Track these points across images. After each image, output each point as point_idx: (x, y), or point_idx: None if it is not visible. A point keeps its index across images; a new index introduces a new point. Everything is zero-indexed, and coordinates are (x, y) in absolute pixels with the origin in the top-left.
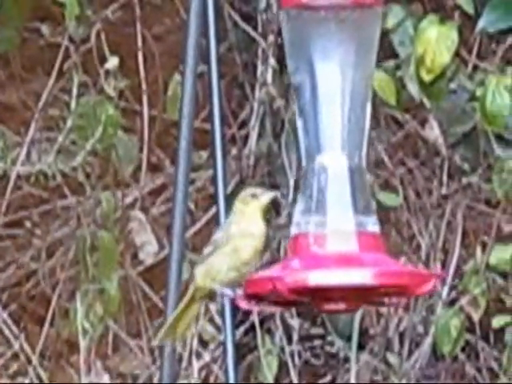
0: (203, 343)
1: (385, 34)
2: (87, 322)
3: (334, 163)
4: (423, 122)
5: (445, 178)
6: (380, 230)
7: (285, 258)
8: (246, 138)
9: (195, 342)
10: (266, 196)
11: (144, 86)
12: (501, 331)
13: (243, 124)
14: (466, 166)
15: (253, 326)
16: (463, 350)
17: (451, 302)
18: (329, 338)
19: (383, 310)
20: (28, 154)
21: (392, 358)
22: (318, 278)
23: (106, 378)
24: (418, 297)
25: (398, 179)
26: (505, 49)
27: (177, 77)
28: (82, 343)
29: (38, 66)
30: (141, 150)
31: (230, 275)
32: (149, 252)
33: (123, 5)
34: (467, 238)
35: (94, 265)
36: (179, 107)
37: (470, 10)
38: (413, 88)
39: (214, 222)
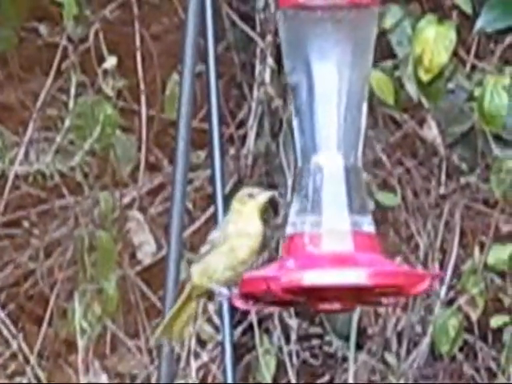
0: (201, 343)
1: (383, 34)
2: (85, 321)
3: (329, 163)
4: (421, 122)
5: (443, 177)
6: (378, 229)
7: (280, 257)
8: (244, 137)
9: (193, 342)
10: (263, 195)
11: (142, 86)
12: (499, 331)
13: (241, 124)
14: (464, 166)
15: (251, 326)
16: (461, 349)
17: (449, 302)
18: (327, 338)
19: (381, 309)
20: (26, 154)
21: (390, 358)
22: (312, 277)
23: (104, 377)
24: (414, 297)
25: (396, 179)
26: (503, 49)
27: (175, 76)
28: (80, 343)
29: (36, 65)
30: (139, 149)
31: (227, 274)
32: (147, 252)
33: (121, 4)
34: (465, 237)
35: (92, 265)
36: (177, 107)
37: (467, 9)
38: (411, 88)
39: (212, 221)
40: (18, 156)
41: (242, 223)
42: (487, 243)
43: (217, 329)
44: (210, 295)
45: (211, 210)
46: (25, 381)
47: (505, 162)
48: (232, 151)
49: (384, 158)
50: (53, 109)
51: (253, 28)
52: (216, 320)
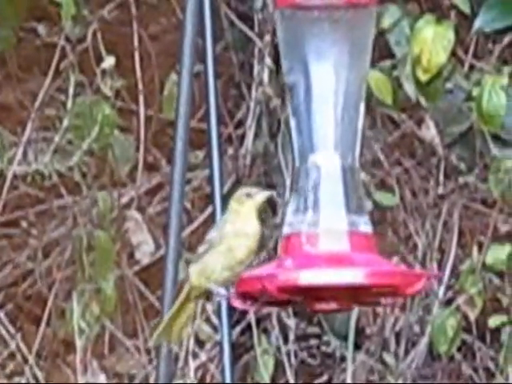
0: (199, 343)
1: (381, 34)
2: (83, 321)
3: (327, 163)
4: (419, 122)
5: (441, 177)
6: (376, 229)
7: (276, 257)
8: (243, 137)
9: (191, 342)
10: (261, 195)
11: (140, 86)
12: (497, 331)
13: (239, 124)
14: (463, 166)
15: (249, 326)
16: (459, 349)
17: (448, 302)
18: (325, 338)
19: (379, 309)
20: (24, 154)
21: (388, 358)
22: (309, 277)
23: (102, 377)
24: (412, 297)
25: (394, 179)
26: (501, 48)
27: (173, 76)
28: (79, 343)
29: (35, 65)
30: (137, 149)
31: (225, 274)
32: (145, 252)
33: (119, 4)
34: (464, 237)
35: (91, 264)
36: (175, 107)
37: (466, 9)
38: (409, 88)
39: (211, 221)
40: (16, 156)
41: (239, 223)
42: (485, 243)
43: (215, 329)
44: (208, 295)
45: (209, 209)
46: (23, 381)
47: (503, 162)
48: (230, 151)
49: (382, 157)
50: (51, 109)
51: (251, 28)
52: (214, 320)
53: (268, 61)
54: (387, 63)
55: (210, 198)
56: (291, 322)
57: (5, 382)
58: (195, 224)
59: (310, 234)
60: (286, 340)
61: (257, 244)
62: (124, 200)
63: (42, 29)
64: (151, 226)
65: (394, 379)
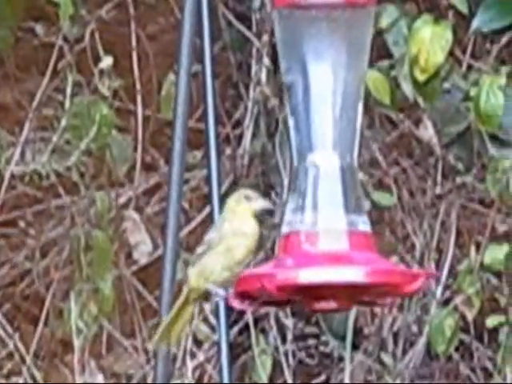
0: (197, 343)
1: (379, 34)
2: (81, 321)
3: (325, 162)
4: (417, 122)
5: (439, 177)
6: (374, 229)
7: (275, 256)
8: (240, 137)
9: (189, 342)
10: (259, 204)
11: (138, 86)
12: (495, 331)
13: (237, 124)
14: (460, 166)
15: (247, 326)
16: (457, 349)
17: (445, 302)
18: (323, 338)
19: (377, 309)
20: (22, 154)
21: (386, 358)
22: (308, 275)
23: (100, 377)
24: (410, 296)
25: (391, 179)
26: (499, 48)
27: (171, 76)
28: (76, 343)
29: (32, 65)
30: (135, 149)
31: (224, 275)
32: (143, 251)
33: (117, 4)
34: (461, 237)
35: (88, 264)
36: (173, 107)
37: (464, 9)
38: (407, 88)
39: (209, 221)
40: (14, 156)
41: (237, 222)
42: (483, 243)
43: (213, 329)
44: (206, 296)
45: (207, 209)
46: (21, 381)
47: (501, 162)
48: (228, 151)
49: (380, 157)
50: (49, 109)
51: (249, 28)
52: (212, 320)
53: (266, 61)
54: (385, 63)
55: (207, 198)
56: (289, 322)
57: (2, 381)
58: (193, 224)
59: (308, 233)
60: (283, 340)
61: (255, 244)
62: (122, 200)
63: (39, 29)
64: (149, 226)
65: (392, 379)
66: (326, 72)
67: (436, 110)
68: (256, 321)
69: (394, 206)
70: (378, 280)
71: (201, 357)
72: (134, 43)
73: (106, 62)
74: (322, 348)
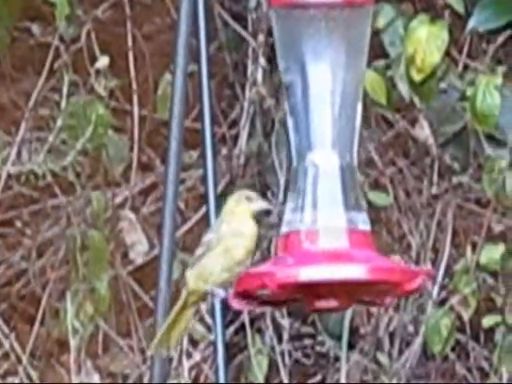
0: (193, 343)
1: (375, 34)
2: (77, 321)
3: (324, 161)
4: (413, 122)
5: (435, 177)
6: (370, 229)
7: (275, 255)
8: (236, 137)
9: (185, 342)
10: (259, 204)
11: (134, 86)
12: (491, 331)
13: (233, 123)
14: (456, 166)
15: (243, 326)
16: (453, 349)
17: (441, 302)
18: (319, 338)
19: (373, 309)
20: (18, 154)
21: (382, 358)
22: (309, 273)
23: (96, 377)
24: (410, 294)
25: (388, 179)
26: (495, 48)
27: (167, 76)
28: (72, 343)
29: (29, 65)
30: (131, 149)
31: (223, 276)
32: (139, 251)
33: (113, 4)
34: (457, 237)
35: (85, 264)
36: (170, 107)
37: (460, 9)
38: (403, 88)
39: (205, 221)
40: (10, 156)
41: (235, 223)
42: (479, 243)
43: (209, 328)
44: (205, 298)
45: (203, 209)
46: (17, 380)
47: (497, 162)
48: (224, 151)
49: (376, 157)
50: (45, 108)
51: (245, 28)
52: (208, 320)
53: (262, 61)
54: (381, 63)
55: (203, 198)
56: (285, 322)
57: None
58: (189, 224)
59: (308, 231)
60: (279, 340)
61: (254, 244)
62: (118, 200)
63: (36, 28)
64: (145, 226)
65: (388, 379)
66: (324, 71)
67: (432, 110)
68: (252, 321)
69: (390, 205)
70: (379, 277)
71: (197, 357)
72: (130, 43)
73: (102, 61)
74: (318, 348)
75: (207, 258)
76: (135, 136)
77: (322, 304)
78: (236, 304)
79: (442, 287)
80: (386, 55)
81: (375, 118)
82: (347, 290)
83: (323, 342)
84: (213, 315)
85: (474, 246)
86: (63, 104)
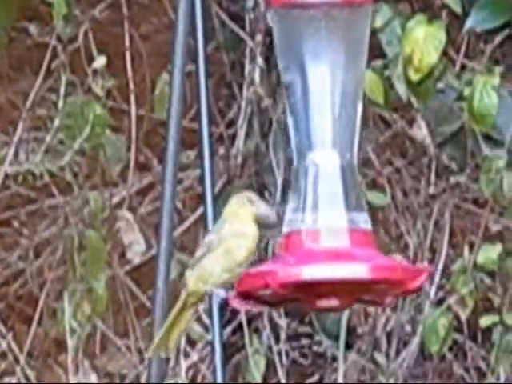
0: (191, 342)
1: (372, 34)
2: (75, 321)
3: (325, 161)
4: (411, 122)
5: (432, 177)
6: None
7: (276, 255)
8: (234, 137)
9: (183, 342)
10: (262, 208)
11: (132, 86)
12: (488, 331)
13: (231, 123)
14: (454, 166)
15: (240, 326)
16: (451, 349)
17: (439, 302)
18: (316, 338)
19: (371, 309)
20: (16, 154)
21: (380, 358)
22: (312, 272)
23: (93, 377)
24: (412, 293)
25: (385, 178)
26: (492, 48)
27: (164, 76)
28: (70, 342)
29: (26, 65)
30: (128, 149)
31: (224, 277)
32: (136, 251)
33: (111, 4)
34: (455, 237)
35: (82, 264)
36: (167, 107)
37: (457, 9)
38: (400, 87)
39: (202, 221)
40: (7, 156)
41: (238, 224)
42: (477, 243)
43: (206, 328)
44: (203, 300)
45: (201, 209)
46: (14, 380)
47: (494, 162)
48: (221, 151)
49: (373, 157)
50: (42, 108)
51: (242, 28)
52: (206, 319)
53: (259, 60)
54: (379, 63)
55: (201, 198)
56: (282, 322)
57: None
58: (186, 224)
59: (309, 231)
60: (277, 340)
61: (255, 245)
62: (115, 200)
63: (33, 28)
64: (142, 226)
65: (386, 379)
66: (324, 71)
67: (430, 110)
68: (249, 321)
69: (388, 205)
70: (382, 276)
71: (194, 356)
72: (127, 43)
73: (100, 61)
74: (315, 348)
75: (207, 258)
76: (132, 136)
77: (323, 303)
78: (237, 304)
79: (440, 287)
80: (383, 55)
81: (373, 117)
82: (349, 289)
83: (320, 341)
84: (210, 315)
85: (471, 245)
86: (60, 104)
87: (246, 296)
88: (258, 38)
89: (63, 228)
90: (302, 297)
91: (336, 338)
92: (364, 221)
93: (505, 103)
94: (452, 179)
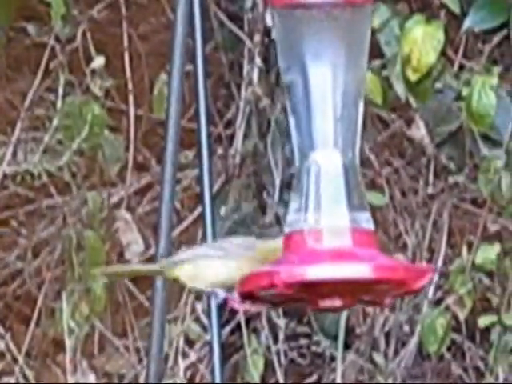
0: (189, 343)
1: (371, 34)
2: (73, 321)
3: (327, 160)
4: (409, 122)
5: (431, 177)
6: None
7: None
8: (232, 137)
9: (181, 342)
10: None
11: (130, 86)
12: (487, 330)
13: (229, 123)
14: (452, 166)
15: (239, 326)
16: (449, 349)
17: (437, 302)
18: (315, 338)
19: (369, 309)
20: (14, 154)
21: (378, 358)
22: (316, 271)
23: (91, 377)
24: (416, 292)
25: (383, 179)
26: (491, 48)
27: (163, 76)
28: (68, 342)
29: (24, 65)
30: (127, 149)
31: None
32: (135, 251)
33: (109, 4)
34: (453, 237)
35: (80, 264)
36: (166, 107)
37: (455, 9)
38: (399, 87)
39: (200, 221)
40: (5, 156)
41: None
42: (475, 243)
43: (205, 328)
44: (197, 295)
45: (199, 209)
46: (13, 380)
47: (493, 162)
48: (220, 151)
49: (372, 157)
50: (41, 108)
51: (241, 28)
52: (204, 319)
53: (258, 61)
54: (377, 63)
55: (199, 198)
56: (281, 322)
57: None
58: (185, 224)
59: (312, 231)
60: (275, 340)
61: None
62: (114, 200)
63: (31, 28)
64: (141, 226)
65: (384, 379)
66: (326, 70)
67: (428, 110)
68: (248, 320)
69: (386, 205)
70: (386, 276)
71: (193, 356)
72: (125, 43)
73: (98, 61)
74: (313, 348)
75: (221, 264)
76: (131, 136)
77: (326, 303)
78: (237, 305)
79: (438, 287)
80: (381, 55)
81: (371, 117)
82: (351, 289)
83: (319, 341)
84: (208, 315)
85: (469, 245)
86: (59, 104)
87: (246, 296)
88: (257, 38)
89: (61, 228)
90: (305, 297)
91: (334, 338)
92: (366, 220)
93: (503, 103)
94: (450, 179)
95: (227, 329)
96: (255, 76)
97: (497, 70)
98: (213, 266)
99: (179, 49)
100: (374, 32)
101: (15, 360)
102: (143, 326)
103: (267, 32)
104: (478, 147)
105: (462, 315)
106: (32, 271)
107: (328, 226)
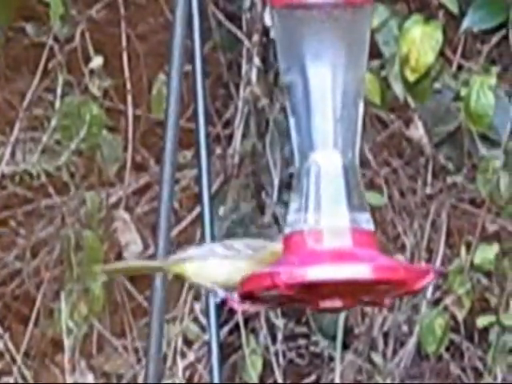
0: (188, 343)
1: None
2: (72, 321)
3: (327, 161)
4: (408, 122)
5: (429, 177)
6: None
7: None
8: (231, 137)
9: (180, 342)
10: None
11: (128, 86)
12: (485, 331)
13: (228, 123)
14: (451, 166)
15: (237, 326)
16: (448, 349)
17: (436, 302)
18: (313, 338)
19: (368, 309)
20: (12, 154)
21: (376, 358)
22: (317, 272)
23: (90, 377)
24: (417, 293)
25: (382, 179)
26: (489, 48)
27: (161, 76)
28: (67, 343)
29: (23, 65)
30: (125, 149)
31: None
32: (133, 251)
33: (108, 4)
34: (452, 237)
35: (79, 264)
36: (165, 107)
37: (454, 9)
38: (397, 88)
39: (199, 220)
40: (4, 156)
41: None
42: (474, 243)
43: (203, 328)
44: (196, 295)
45: (198, 209)
46: (11, 380)
47: (491, 162)
48: (218, 151)
49: (370, 157)
50: (39, 108)
51: (239, 28)
52: (202, 319)
53: (256, 60)
54: (375, 63)
55: (197, 198)
56: (279, 322)
57: None
58: (183, 224)
59: (312, 231)
60: (274, 340)
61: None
62: (112, 200)
63: (30, 28)
64: (139, 226)
65: (383, 379)
66: (326, 71)
67: (426, 110)
68: (246, 321)
69: (385, 205)
70: (387, 276)
71: (191, 356)
72: (124, 43)
73: (97, 61)
74: (312, 348)
75: (229, 263)
76: (129, 136)
77: (326, 304)
78: (237, 306)
79: (437, 287)
80: (380, 55)
81: (369, 118)
82: (352, 290)
83: (317, 341)
84: (207, 315)
85: (468, 246)
86: (57, 104)
87: (246, 296)
88: (255, 38)
89: (60, 228)
90: (306, 298)
91: (333, 338)
92: (366, 221)
93: (501, 103)
94: (449, 179)
95: (226, 329)
96: (254, 76)
97: (495, 70)
98: (222, 265)
99: (178, 49)
100: (372, 32)
101: (14, 360)
102: (142, 326)
103: (266, 32)
104: (476, 147)
105: (460, 315)
106: (30, 271)
107: (328, 227)
